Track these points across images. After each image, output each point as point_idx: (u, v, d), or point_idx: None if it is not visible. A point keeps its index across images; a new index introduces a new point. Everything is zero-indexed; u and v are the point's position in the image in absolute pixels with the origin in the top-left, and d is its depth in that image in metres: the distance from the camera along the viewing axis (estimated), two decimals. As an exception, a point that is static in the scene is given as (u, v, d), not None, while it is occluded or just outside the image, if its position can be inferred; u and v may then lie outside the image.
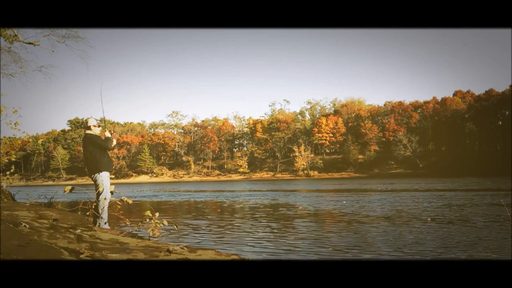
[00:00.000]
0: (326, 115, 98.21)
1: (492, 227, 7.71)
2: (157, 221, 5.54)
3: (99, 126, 6.55)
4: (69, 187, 5.84)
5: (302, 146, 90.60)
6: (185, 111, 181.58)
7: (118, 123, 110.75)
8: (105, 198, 6.06)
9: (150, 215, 5.58)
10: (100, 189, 6.02)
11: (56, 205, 9.22)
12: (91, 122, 6.46)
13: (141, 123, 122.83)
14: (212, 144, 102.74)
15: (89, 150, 6.20)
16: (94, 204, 5.98)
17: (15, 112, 7.34)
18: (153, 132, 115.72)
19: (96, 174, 6.12)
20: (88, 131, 6.41)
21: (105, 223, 6.07)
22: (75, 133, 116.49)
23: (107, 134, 6.56)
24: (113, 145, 6.49)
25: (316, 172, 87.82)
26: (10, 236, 3.43)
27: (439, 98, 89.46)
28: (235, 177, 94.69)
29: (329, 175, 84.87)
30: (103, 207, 6.02)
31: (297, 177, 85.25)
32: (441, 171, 69.40)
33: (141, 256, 3.59)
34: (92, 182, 6.28)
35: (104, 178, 6.13)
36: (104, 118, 8.14)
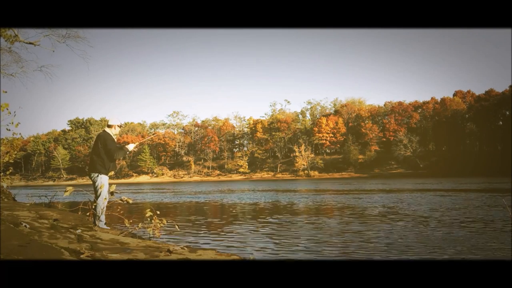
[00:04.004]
0: (327, 115, 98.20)
1: (493, 227, 7.71)
2: (157, 221, 5.55)
3: (120, 126, 6.38)
4: (70, 189, 5.79)
5: (303, 146, 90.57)
6: (186, 111, 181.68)
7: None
8: (105, 198, 6.04)
9: (151, 215, 5.58)
10: (101, 191, 5.98)
11: (57, 205, 9.23)
12: (112, 122, 6.25)
13: (141, 123, 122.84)
14: (213, 144, 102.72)
15: (99, 148, 6.05)
16: (94, 204, 5.96)
17: (9, 114, 7.30)
18: (153, 132, 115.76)
19: (96, 175, 6.05)
20: (106, 129, 6.26)
21: (104, 224, 6.06)
22: (76, 133, 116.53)
23: (130, 147, 6.37)
24: (120, 158, 6.30)
25: (316, 172, 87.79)
26: (10, 236, 3.43)
27: (438, 98, 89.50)
28: (235, 177, 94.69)
29: (329, 175, 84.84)
30: (103, 208, 5.99)
31: (298, 177, 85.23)
32: (442, 171, 69.35)
33: (141, 256, 3.59)
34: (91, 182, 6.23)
35: (104, 180, 6.07)
36: (147, 139, 8.01)
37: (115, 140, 6.31)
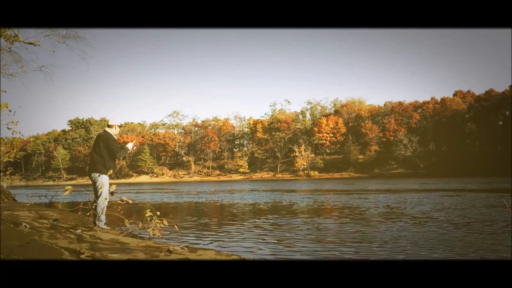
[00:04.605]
0: (327, 115, 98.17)
1: (493, 227, 7.71)
2: (157, 221, 5.54)
3: (120, 126, 6.44)
4: (70, 188, 5.78)
5: (303, 146, 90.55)
6: (186, 111, 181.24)
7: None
8: (105, 199, 6.04)
9: (151, 215, 5.58)
10: (101, 190, 5.98)
11: (57, 205, 9.23)
12: (113, 122, 6.31)
13: (141, 123, 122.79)
14: (213, 144, 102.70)
15: (100, 148, 6.07)
16: (95, 204, 5.95)
17: (9, 111, 7.28)
18: (153, 132, 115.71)
19: (97, 175, 6.05)
20: (107, 129, 6.31)
21: (104, 224, 6.06)
22: (76, 133, 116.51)
23: (129, 146, 6.44)
24: (122, 157, 6.35)
25: (316, 172, 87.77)
26: (10, 236, 3.43)
27: (438, 98, 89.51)
28: (235, 177, 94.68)
29: (329, 175, 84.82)
30: (103, 208, 5.99)
31: (298, 177, 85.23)
32: (442, 171, 69.34)
33: (141, 256, 3.60)
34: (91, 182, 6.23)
35: (105, 180, 6.08)
36: (149, 133, 7.99)
37: (116, 140, 6.33)
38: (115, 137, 6.30)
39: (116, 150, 6.08)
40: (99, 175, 6.04)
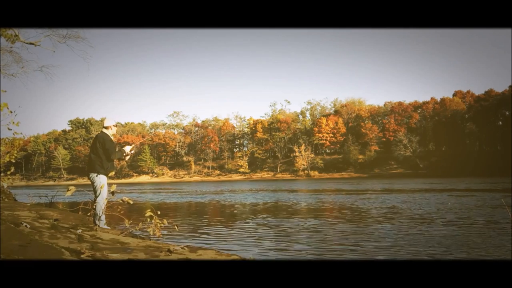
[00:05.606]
0: (327, 115, 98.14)
1: (493, 227, 7.71)
2: (158, 221, 5.55)
3: (115, 126, 6.49)
4: (72, 189, 5.78)
5: (303, 146, 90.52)
6: (186, 111, 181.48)
7: (118, 123, 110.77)
8: (105, 199, 6.05)
9: (152, 215, 5.58)
10: (101, 190, 5.98)
11: (57, 205, 9.23)
12: (107, 123, 6.37)
13: (141, 123, 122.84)
14: (213, 144, 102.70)
15: (97, 149, 6.11)
16: (94, 204, 5.96)
17: (10, 113, 7.25)
18: (154, 132, 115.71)
19: (94, 175, 6.06)
20: (104, 130, 6.35)
21: (104, 224, 6.07)
22: (76, 133, 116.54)
23: (127, 149, 6.48)
24: (117, 159, 6.36)
25: (316, 172, 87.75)
26: (11, 236, 3.43)
27: (438, 99, 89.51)
28: (235, 177, 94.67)
29: (329, 175, 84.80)
30: (103, 208, 6.00)
31: (298, 177, 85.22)
32: (442, 171, 69.30)
33: (141, 256, 3.60)
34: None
35: (103, 180, 6.09)
36: (145, 138, 8.05)
37: (113, 139, 6.37)
38: (112, 137, 6.33)
39: (111, 151, 6.12)
40: (96, 175, 6.07)
